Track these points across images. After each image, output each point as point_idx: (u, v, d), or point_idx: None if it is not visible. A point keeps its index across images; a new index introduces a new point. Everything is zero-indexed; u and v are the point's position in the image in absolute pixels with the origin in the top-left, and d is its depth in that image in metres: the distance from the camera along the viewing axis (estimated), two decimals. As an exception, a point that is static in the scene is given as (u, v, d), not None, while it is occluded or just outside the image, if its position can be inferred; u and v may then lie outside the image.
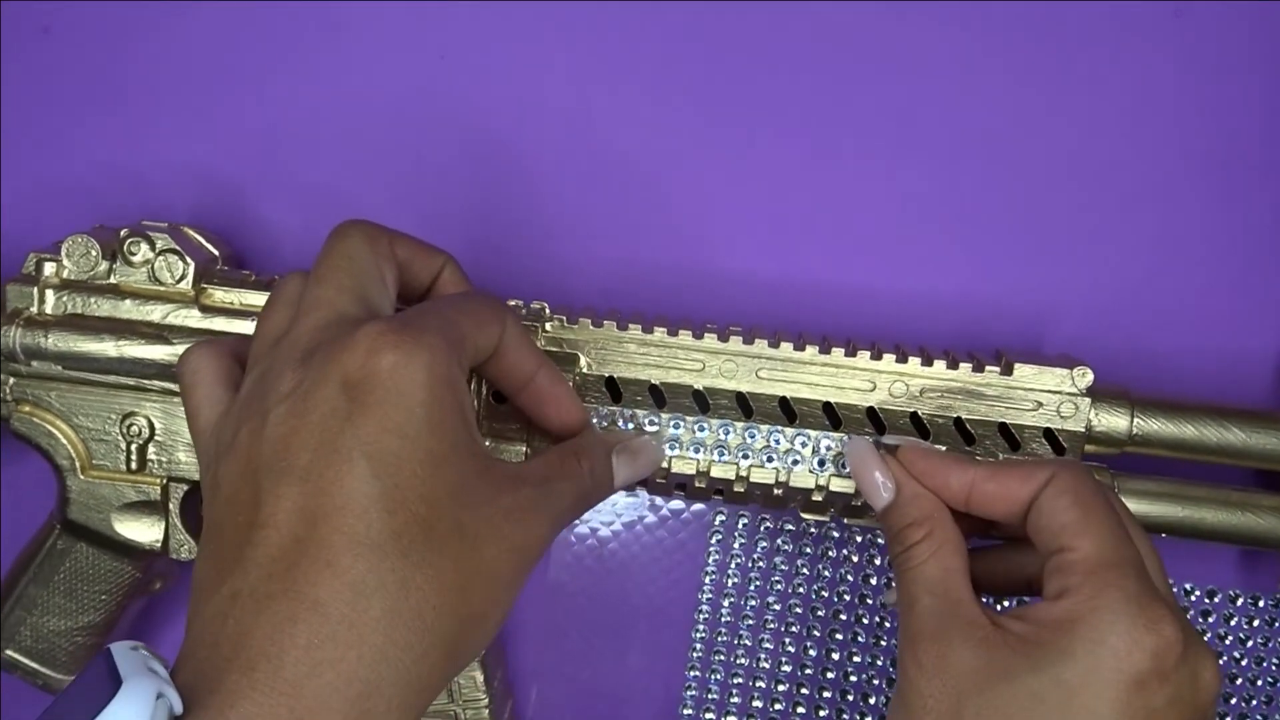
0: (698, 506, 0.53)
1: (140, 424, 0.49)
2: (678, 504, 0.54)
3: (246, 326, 0.48)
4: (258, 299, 0.49)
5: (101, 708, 0.30)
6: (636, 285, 0.54)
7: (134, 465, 0.49)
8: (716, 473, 0.47)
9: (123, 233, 0.48)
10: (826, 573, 0.53)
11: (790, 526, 0.53)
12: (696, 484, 0.48)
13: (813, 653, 0.53)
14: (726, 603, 0.53)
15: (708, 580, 0.53)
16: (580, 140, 0.53)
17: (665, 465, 0.47)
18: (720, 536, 0.53)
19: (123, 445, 0.49)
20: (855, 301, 0.54)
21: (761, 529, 0.53)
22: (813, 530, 0.53)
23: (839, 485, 0.47)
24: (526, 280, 0.54)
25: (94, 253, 0.48)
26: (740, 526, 0.53)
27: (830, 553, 0.53)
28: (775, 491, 0.48)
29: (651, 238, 0.54)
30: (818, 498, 0.48)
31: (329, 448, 0.33)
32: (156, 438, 0.49)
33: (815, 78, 0.53)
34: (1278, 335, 0.53)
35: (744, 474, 0.47)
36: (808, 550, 0.53)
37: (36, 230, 0.52)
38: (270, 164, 0.54)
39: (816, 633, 0.53)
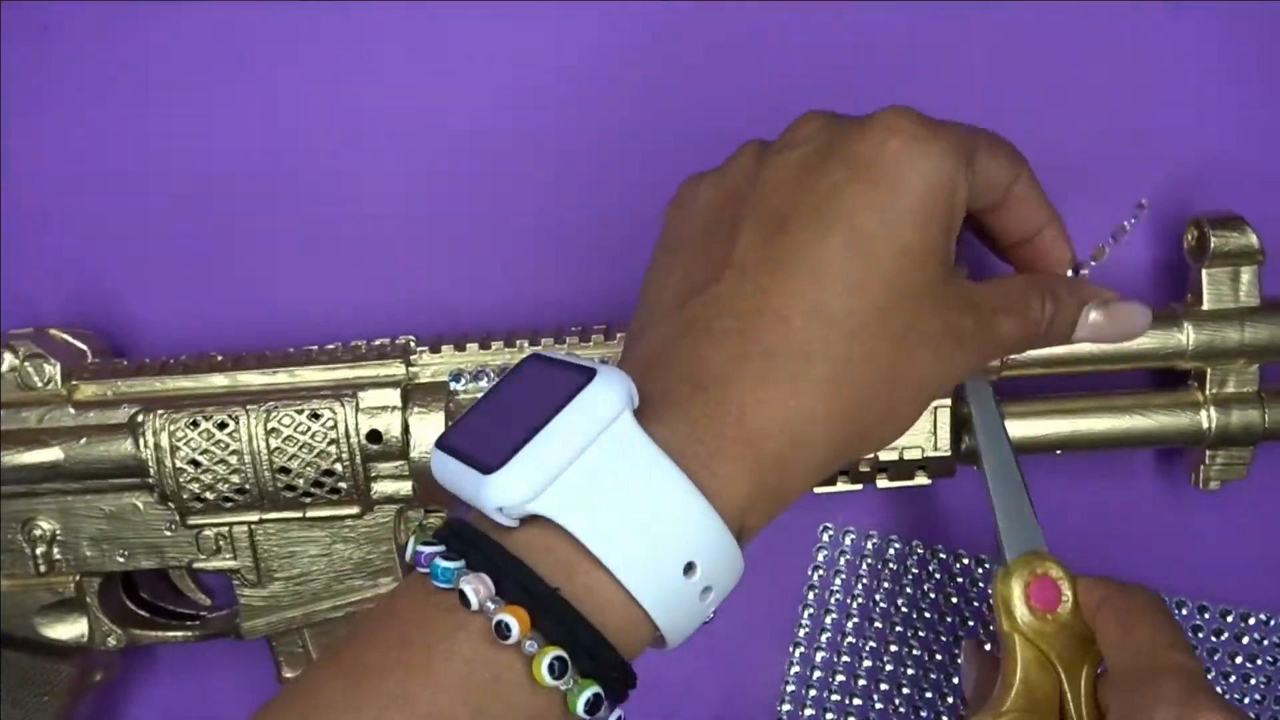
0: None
1: (40, 528, 0.50)
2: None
3: (120, 415, 0.48)
4: (132, 386, 0.49)
5: (579, 388, 0.31)
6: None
7: (43, 568, 0.50)
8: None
9: (-15, 346, 0.49)
10: (931, 595, 0.53)
11: (896, 547, 0.53)
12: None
13: (910, 671, 0.53)
14: (829, 619, 0.53)
15: (810, 595, 0.53)
16: (577, 153, 0.53)
17: None
18: (826, 552, 0.53)
19: (28, 550, 0.50)
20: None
21: (868, 546, 0.53)
22: (919, 550, 0.53)
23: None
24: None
25: (-39, 370, 0.49)
26: (847, 543, 0.53)
27: (936, 575, 0.53)
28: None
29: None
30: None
31: (812, 208, 0.34)
32: (59, 538, 0.50)
33: (814, 78, 0.52)
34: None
35: None
36: (913, 571, 0.53)
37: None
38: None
39: (916, 652, 0.53)
